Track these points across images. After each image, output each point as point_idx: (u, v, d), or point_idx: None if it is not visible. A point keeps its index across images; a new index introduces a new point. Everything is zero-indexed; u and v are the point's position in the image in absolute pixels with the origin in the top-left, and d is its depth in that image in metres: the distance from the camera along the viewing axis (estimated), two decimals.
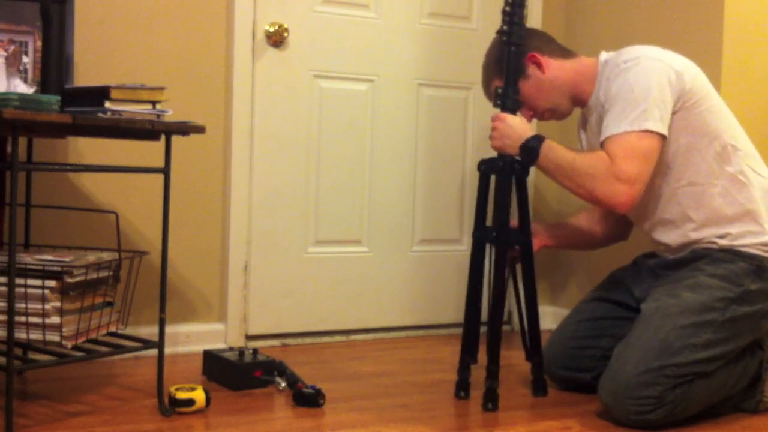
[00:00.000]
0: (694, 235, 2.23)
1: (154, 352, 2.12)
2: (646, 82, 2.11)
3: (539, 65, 2.30)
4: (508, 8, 2.21)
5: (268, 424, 2.05)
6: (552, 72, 2.31)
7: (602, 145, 2.14)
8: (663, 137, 2.12)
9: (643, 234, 2.39)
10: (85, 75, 2.50)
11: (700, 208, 2.21)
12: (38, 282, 1.94)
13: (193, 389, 2.09)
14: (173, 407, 2.07)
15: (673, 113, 2.15)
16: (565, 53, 2.37)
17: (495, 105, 2.27)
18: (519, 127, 2.21)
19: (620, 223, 2.51)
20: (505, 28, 2.22)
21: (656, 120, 2.09)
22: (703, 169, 2.19)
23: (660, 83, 2.12)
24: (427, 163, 3.12)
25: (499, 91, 2.24)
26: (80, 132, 2.23)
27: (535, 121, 2.48)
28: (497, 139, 2.23)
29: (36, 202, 2.39)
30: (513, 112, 2.24)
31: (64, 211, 2.46)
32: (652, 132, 2.09)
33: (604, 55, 2.31)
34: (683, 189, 2.21)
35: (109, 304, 2.13)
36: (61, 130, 2.22)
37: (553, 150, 2.16)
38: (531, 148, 2.17)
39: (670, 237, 2.27)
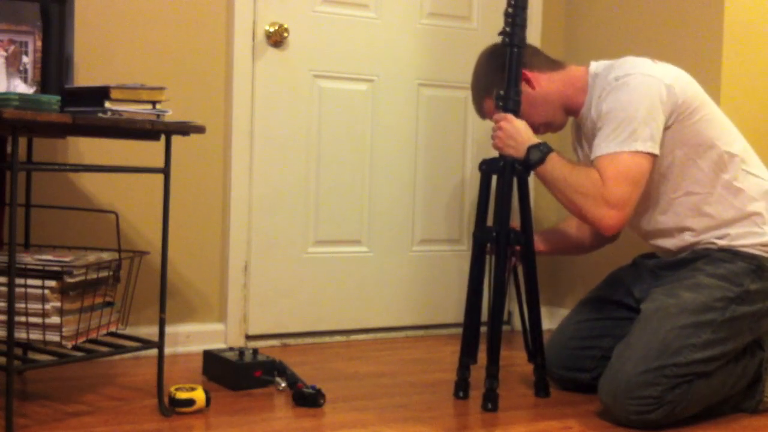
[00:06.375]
0: (693, 240, 2.23)
1: (154, 352, 2.13)
2: (637, 101, 2.11)
3: (528, 81, 2.30)
4: (510, 9, 2.20)
5: (268, 424, 2.05)
6: (542, 87, 2.31)
7: (593, 164, 2.14)
8: (653, 156, 2.12)
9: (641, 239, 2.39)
10: (85, 75, 2.50)
11: (698, 216, 2.21)
12: (38, 282, 1.94)
13: (193, 389, 2.09)
14: (173, 407, 2.07)
15: (667, 128, 2.15)
16: (553, 65, 2.36)
17: (496, 107, 2.26)
18: (524, 130, 2.20)
19: None
20: (507, 29, 2.22)
21: (646, 140, 2.10)
22: (699, 179, 2.19)
23: (651, 101, 2.12)
24: (427, 162, 3.12)
25: (501, 92, 2.24)
26: (80, 132, 2.23)
27: None
28: (501, 139, 2.22)
29: (36, 202, 2.38)
30: (515, 113, 2.23)
31: (64, 211, 2.46)
32: (642, 153, 2.10)
33: (593, 66, 2.30)
34: (680, 199, 2.22)
35: (109, 304, 2.13)
36: (61, 130, 2.22)
37: (553, 161, 2.16)
38: (538, 154, 2.17)
39: (668, 243, 2.28)
